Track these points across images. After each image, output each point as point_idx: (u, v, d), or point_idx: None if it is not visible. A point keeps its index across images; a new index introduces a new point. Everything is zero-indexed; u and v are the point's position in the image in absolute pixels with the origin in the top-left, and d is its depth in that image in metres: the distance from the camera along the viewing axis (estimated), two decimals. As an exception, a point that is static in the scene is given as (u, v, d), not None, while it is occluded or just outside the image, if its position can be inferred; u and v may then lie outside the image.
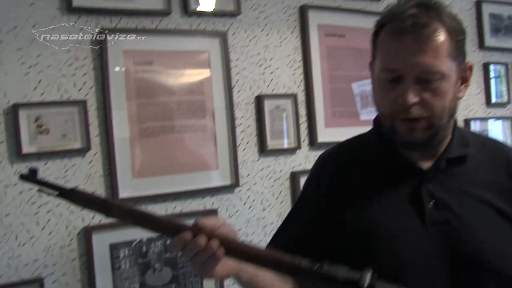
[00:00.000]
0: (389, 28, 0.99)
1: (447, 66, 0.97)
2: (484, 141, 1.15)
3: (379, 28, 1.03)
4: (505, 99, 2.65)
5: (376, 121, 1.13)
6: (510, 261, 1.00)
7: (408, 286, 0.93)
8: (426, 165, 1.05)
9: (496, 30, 2.61)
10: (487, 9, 2.58)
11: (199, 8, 1.80)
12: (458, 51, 1.00)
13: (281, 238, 1.15)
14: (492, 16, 2.59)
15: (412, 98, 0.97)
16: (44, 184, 0.90)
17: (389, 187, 1.05)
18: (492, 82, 2.60)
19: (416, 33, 0.95)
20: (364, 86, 2.18)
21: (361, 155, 1.13)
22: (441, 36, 0.96)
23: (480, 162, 1.08)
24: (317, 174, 1.14)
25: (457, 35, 0.99)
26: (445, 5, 1.01)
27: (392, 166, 1.06)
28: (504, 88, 2.64)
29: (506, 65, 2.65)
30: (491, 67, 2.58)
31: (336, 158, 1.16)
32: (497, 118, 2.63)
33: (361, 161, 1.11)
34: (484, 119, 2.54)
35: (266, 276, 0.98)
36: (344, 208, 1.06)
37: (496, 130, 2.60)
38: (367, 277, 0.84)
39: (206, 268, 0.88)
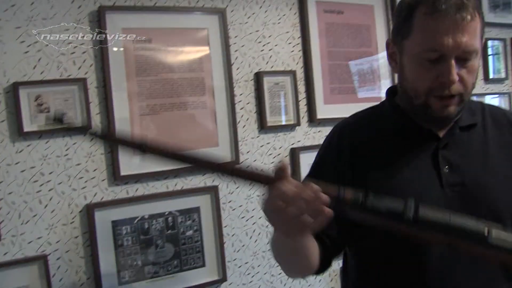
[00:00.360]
0: (427, 9, 1.02)
1: (479, 44, 1.04)
2: (483, 106, 1.24)
3: (413, 8, 1.06)
4: (502, 75, 2.66)
5: (391, 92, 1.21)
6: None
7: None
8: (441, 133, 1.12)
9: (494, 6, 2.60)
10: (486, -16, 2.57)
11: (197, -15, 1.79)
12: (483, 30, 1.06)
13: None
14: (490, -9, 2.59)
15: (456, 76, 1.02)
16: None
17: (409, 152, 1.12)
18: (490, 58, 2.60)
19: (458, 15, 1.00)
20: (361, 65, 2.19)
21: (378, 125, 1.18)
22: (476, 17, 1.02)
23: (485, 126, 1.17)
24: (337, 144, 1.18)
25: (482, 15, 1.06)
26: None
27: (411, 133, 1.12)
28: (502, 64, 2.64)
29: (504, 41, 2.65)
30: (489, 43, 2.58)
31: (354, 128, 1.20)
32: (495, 93, 2.64)
33: (379, 131, 1.17)
34: (482, 95, 2.55)
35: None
36: (367, 173, 1.11)
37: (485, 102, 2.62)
38: (411, 206, 0.87)
39: (306, 226, 0.85)
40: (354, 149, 1.14)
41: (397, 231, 0.88)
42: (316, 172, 1.20)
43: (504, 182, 1.11)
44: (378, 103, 1.25)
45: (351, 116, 1.25)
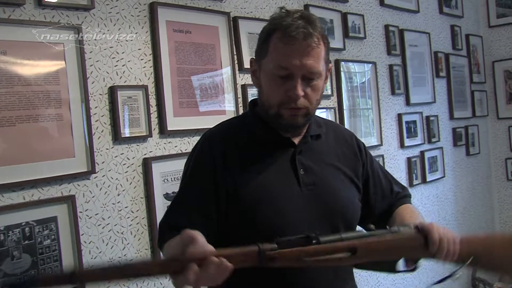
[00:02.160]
0: (281, 34, 1.25)
1: (323, 67, 1.28)
2: (326, 122, 1.51)
3: (270, 33, 1.28)
4: (329, 91, 3.06)
5: (252, 104, 1.42)
6: (354, 209, 1.40)
7: (288, 228, 1.24)
8: (296, 140, 1.36)
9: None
10: (314, 12, 2.92)
11: (53, 0, 1.84)
12: (328, 56, 1.31)
13: (180, 212, 1.31)
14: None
15: (301, 92, 1.25)
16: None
17: (272, 157, 1.33)
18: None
19: (305, 41, 1.23)
20: (203, 80, 2.38)
21: (244, 133, 1.36)
22: (320, 44, 1.26)
23: (328, 138, 1.44)
24: (210, 151, 1.33)
25: (328, 44, 1.30)
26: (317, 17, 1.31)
27: (272, 141, 1.33)
28: (328, 83, 3.03)
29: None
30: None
31: (224, 136, 1.37)
32: (323, 108, 3.02)
33: (246, 138, 1.35)
34: (311, 109, 2.90)
35: None
36: (237, 176, 1.29)
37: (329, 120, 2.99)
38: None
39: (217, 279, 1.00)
40: (225, 155, 1.31)
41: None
42: (193, 180, 1.34)
43: (342, 182, 1.40)
44: (239, 115, 1.48)
45: (217, 126, 1.43)
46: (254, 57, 1.39)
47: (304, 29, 1.23)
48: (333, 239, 1.13)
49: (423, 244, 1.20)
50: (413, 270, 1.25)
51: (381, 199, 1.53)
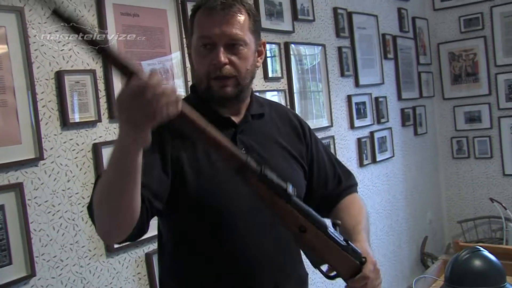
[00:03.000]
0: (203, 9, 1.30)
1: (248, 37, 1.32)
2: (269, 103, 1.54)
3: (194, 11, 1.32)
4: (279, 74, 3.08)
5: (192, 87, 1.42)
6: (300, 189, 1.41)
7: (232, 202, 1.30)
8: (236, 120, 1.37)
9: (270, 14, 3.00)
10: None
11: (-8, -17, 1.78)
12: (255, 28, 1.35)
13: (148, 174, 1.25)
14: (267, 2, 2.97)
15: (223, 58, 1.28)
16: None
17: None
18: (269, 60, 3.00)
19: (224, 11, 1.28)
20: (154, 65, 2.35)
21: None
22: (243, 14, 1.30)
23: (271, 117, 1.46)
24: (157, 128, 1.32)
25: (254, 16, 1.34)
26: None
27: (213, 121, 1.31)
28: (278, 65, 3.06)
29: (279, 44, 3.07)
30: (268, 46, 2.96)
31: None
32: (274, 90, 3.04)
33: None
34: (263, 91, 2.92)
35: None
36: (181, 154, 1.30)
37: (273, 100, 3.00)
38: (290, 186, 1.15)
39: (158, 111, 0.95)
40: (170, 133, 1.30)
41: (271, 202, 1.15)
42: (149, 154, 1.29)
43: (287, 161, 1.43)
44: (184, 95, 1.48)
45: None
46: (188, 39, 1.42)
47: (223, 0, 1.29)
48: (301, 209, 1.17)
49: (353, 273, 1.25)
50: (331, 278, 1.29)
51: (324, 183, 1.54)
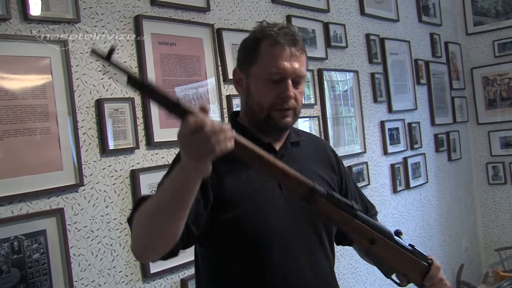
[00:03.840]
0: (271, 41, 1.35)
1: (306, 73, 1.42)
2: (306, 134, 1.61)
3: (258, 40, 1.38)
4: (312, 101, 3.09)
5: (234, 116, 1.49)
6: None
7: (271, 230, 1.33)
8: (277, 146, 1.42)
9: (303, 41, 3.02)
10: (296, 22, 2.97)
11: (38, 15, 1.85)
12: (307, 64, 1.44)
13: None
14: (300, 29, 3.00)
15: (293, 93, 1.36)
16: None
17: None
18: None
19: (294, 47, 1.36)
20: (187, 91, 2.39)
21: None
22: (304, 52, 1.40)
23: (308, 147, 1.52)
24: None
25: (306, 54, 1.43)
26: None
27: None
28: (311, 92, 3.07)
29: (312, 71, 3.09)
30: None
31: None
32: (306, 117, 3.05)
33: None
34: (295, 118, 2.93)
35: None
36: (223, 180, 1.32)
37: (305, 127, 3.00)
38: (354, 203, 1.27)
39: (216, 146, 1.00)
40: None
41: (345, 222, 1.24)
42: None
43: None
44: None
45: None
46: (238, 67, 1.45)
47: (291, 36, 1.37)
48: (368, 222, 1.27)
49: (423, 273, 1.34)
50: (403, 286, 1.37)
51: None
